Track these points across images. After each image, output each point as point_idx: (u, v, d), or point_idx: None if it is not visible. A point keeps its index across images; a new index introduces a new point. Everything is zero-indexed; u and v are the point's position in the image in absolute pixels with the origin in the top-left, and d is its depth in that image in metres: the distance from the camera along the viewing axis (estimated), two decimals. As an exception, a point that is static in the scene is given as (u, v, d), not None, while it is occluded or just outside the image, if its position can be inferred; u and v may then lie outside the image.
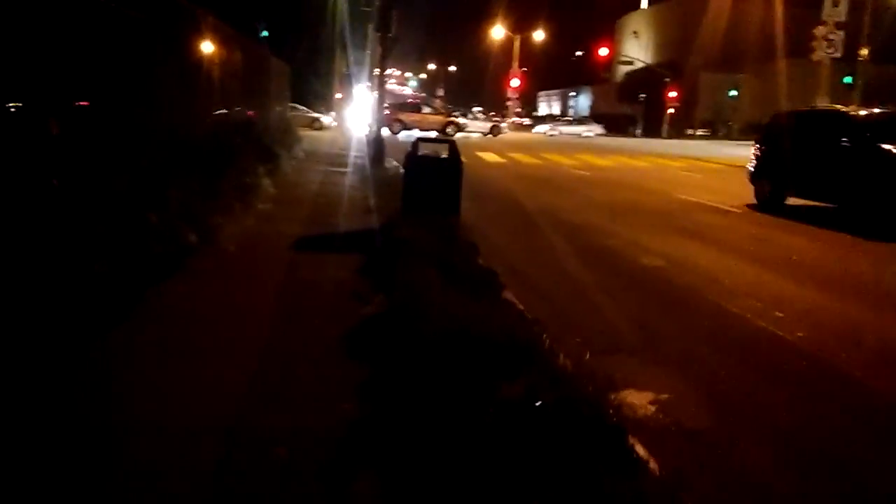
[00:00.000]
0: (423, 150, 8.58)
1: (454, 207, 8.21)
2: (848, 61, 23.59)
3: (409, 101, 52.67)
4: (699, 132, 62.40)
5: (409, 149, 8.50)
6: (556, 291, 6.46)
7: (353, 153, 20.46)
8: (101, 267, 4.70)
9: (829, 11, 19.83)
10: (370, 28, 20.32)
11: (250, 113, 15.64)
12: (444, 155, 8.40)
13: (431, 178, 8.21)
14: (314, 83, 42.16)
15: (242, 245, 7.00)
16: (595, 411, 3.20)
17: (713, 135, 61.57)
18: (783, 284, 7.03)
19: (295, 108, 36.22)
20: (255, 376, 3.90)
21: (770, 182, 12.68)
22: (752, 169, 13.48)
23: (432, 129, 37.64)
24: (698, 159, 26.47)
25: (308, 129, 33.82)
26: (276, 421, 3.42)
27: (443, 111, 43.23)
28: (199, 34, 10.62)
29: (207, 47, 11.18)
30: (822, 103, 20.98)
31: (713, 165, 24.04)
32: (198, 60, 10.62)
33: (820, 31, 20.29)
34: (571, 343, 4.95)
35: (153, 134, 7.77)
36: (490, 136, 41.75)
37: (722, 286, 6.82)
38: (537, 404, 3.10)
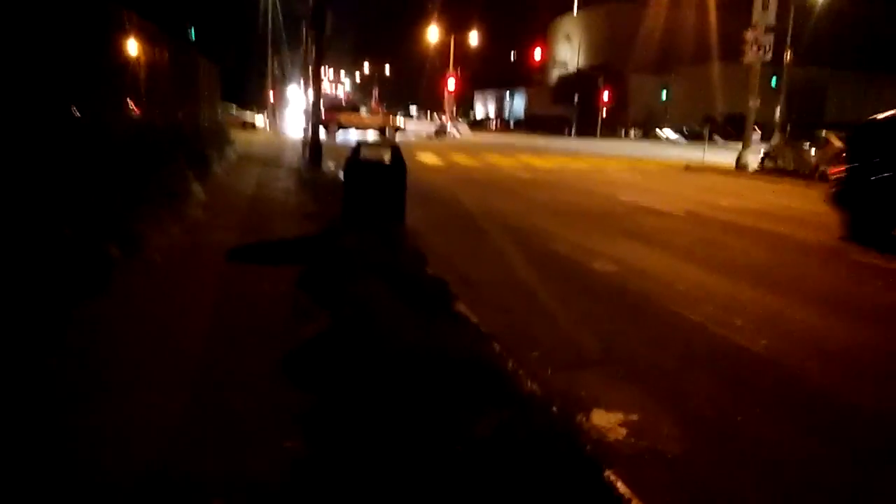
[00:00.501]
0: (365, 154, 8.17)
1: (399, 214, 7.84)
2: (774, 64, 24.28)
3: (348, 101, 51.61)
4: (633, 133, 63.58)
5: (350, 153, 8.07)
6: (509, 301, 6.16)
7: (287, 155, 19.84)
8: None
9: (758, 16, 20.27)
10: (303, 27, 19.68)
11: (185, 114, 14.88)
12: (387, 159, 8.01)
13: (374, 184, 7.82)
14: (247, 84, 41.05)
15: (171, 257, 6.46)
16: (571, 445, 2.89)
17: (645, 135, 62.85)
18: (736, 289, 6.91)
19: (230, 109, 35.20)
20: (186, 411, 3.45)
21: (868, 208, 9.66)
22: (839, 190, 10.30)
23: (371, 130, 37.12)
24: (635, 160, 26.82)
25: (241, 130, 32.83)
26: (210, 465, 2.98)
27: (382, 112, 42.53)
28: (121, 32, 9.94)
29: (129, 45, 10.50)
30: (751, 104, 21.53)
31: (649, 166, 24.34)
32: (117, 59, 9.94)
33: (749, 34, 20.72)
34: (530, 358, 4.66)
35: (61, 133, 7.12)
36: (435, 139, 40.27)
37: (676, 292, 6.65)
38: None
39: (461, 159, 24.02)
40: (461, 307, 5.41)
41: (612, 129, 63.93)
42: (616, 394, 4.22)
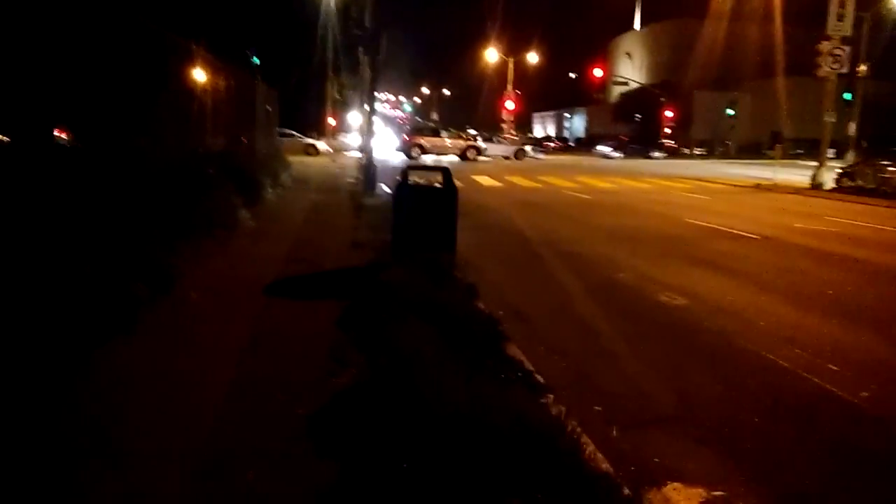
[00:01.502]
0: (414, 178, 7.72)
1: (449, 243, 7.33)
2: (845, 77, 22.97)
3: (430, 124, 50.97)
4: (696, 151, 61.72)
5: (398, 177, 7.64)
6: (567, 340, 5.56)
7: (343, 180, 19.67)
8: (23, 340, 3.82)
9: (833, 26, 19.16)
10: (361, 52, 19.57)
11: (240, 140, 14.88)
12: (438, 184, 7.54)
13: (424, 211, 7.34)
14: (307, 108, 41.54)
15: (207, 291, 6.11)
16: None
17: (710, 154, 60.91)
18: (827, 327, 6.14)
19: (290, 134, 35.60)
20: (192, 488, 2.99)
21: None
22: None
23: (452, 154, 36.85)
24: (701, 179, 25.74)
25: (301, 154, 33.07)
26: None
27: (462, 135, 42.06)
28: (182, 62, 9.90)
29: (192, 75, 10.50)
30: (828, 119, 20.34)
31: (717, 186, 23.28)
32: (181, 90, 9.92)
33: (825, 46, 19.59)
34: (592, 413, 4.08)
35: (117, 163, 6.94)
36: (515, 160, 39.21)
37: (759, 330, 5.94)
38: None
39: (518, 180, 23.45)
40: (514, 350, 4.86)
41: (674, 147, 62.22)
42: (695, 461, 3.60)
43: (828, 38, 19.62)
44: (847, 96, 33.33)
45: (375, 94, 18.72)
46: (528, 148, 44.81)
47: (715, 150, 61.41)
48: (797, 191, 20.48)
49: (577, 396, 4.24)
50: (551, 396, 4.01)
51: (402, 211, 7.53)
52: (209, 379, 4.15)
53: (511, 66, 54.77)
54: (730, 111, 64.83)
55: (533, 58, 61.27)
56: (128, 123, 7.71)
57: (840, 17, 19.05)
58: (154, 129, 8.61)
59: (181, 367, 4.34)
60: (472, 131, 51.90)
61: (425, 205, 7.41)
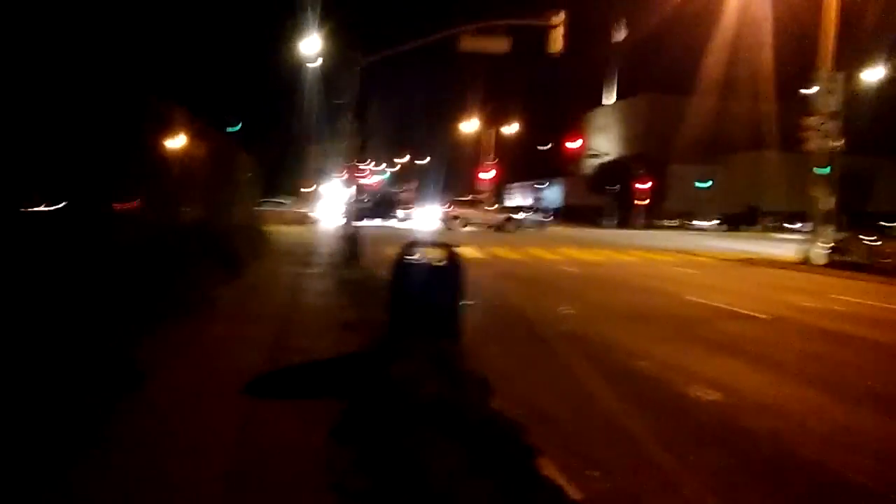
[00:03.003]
0: (415, 254, 7.03)
1: (453, 329, 6.59)
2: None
3: (471, 197, 46.54)
4: (666, 223, 61.92)
5: (399, 253, 6.93)
6: (603, 452, 4.78)
7: (325, 250, 18.97)
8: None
9: (823, 101, 19.23)
10: (346, 120, 19.19)
11: (219, 209, 14.12)
12: (441, 262, 6.85)
13: (426, 292, 6.62)
14: (290, 177, 41.12)
15: (179, 391, 5.26)
16: None
17: (683, 226, 61.21)
18: (884, 427, 5.46)
19: (279, 202, 35.04)
20: None
21: None
22: None
23: (490, 226, 36.21)
24: (686, 252, 25.44)
25: (287, 224, 32.14)
26: None
27: (501, 207, 41.31)
28: (159, 123, 9.23)
29: (169, 137, 9.81)
30: (817, 194, 20.23)
31: (704, 259, 22.93)
32: (156, 153, 9.22)
33: (812, 121, 19.64)
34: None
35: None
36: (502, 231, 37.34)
37: (814, 434, 5.22)
38: None
39: (501, 251, 22.92)
40: (549, 468, 4.09)
41: (650, 219, 62.59)
42: None
43: (813, 114, 19.70)
44: (824, 171, 33.68)
45: (357, 162, 18.33)
46: (520, 216, 42.00)
47: (689, 221, 61.85)
48: (787, 266, 20.14)
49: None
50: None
51: (402, 291, 6.80)
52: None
53: (491, 136, 55.32)
54: (702, 184, 65.88)
55: (511, 129, 62.07)
56: (97, 187, 6.97)
57: (831, 91, 19.14)
58: (126, 194, 7.89)
59: None
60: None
61: (428, 285, 6.69)
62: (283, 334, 7.66)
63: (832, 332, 9.59)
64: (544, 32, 18.80)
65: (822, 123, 19.16)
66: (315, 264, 15.79)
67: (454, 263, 6.74)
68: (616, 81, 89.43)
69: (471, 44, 18.90)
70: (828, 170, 20.17)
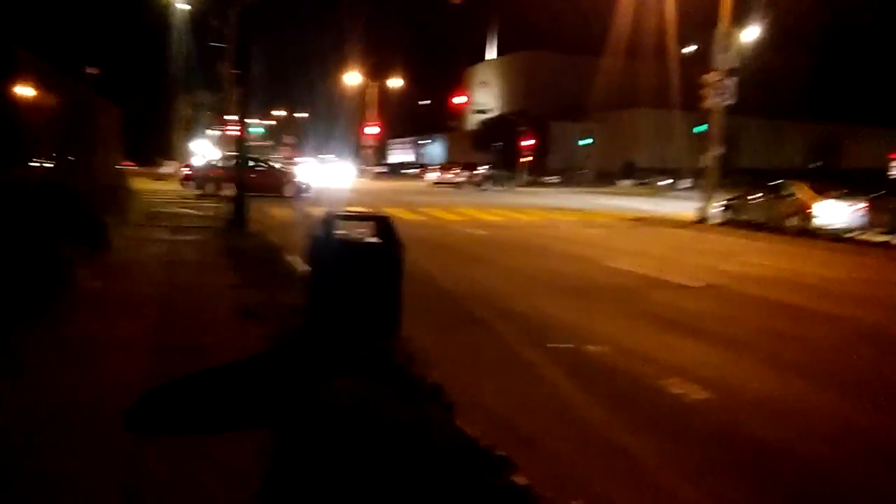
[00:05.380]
0: (339, 228, 5.65)
1: (390, 322, 5.33)
2: (698, 111, 23.43)
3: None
4: (550, 179, 62.40)
5: (318, 230, 5.53)
6: (598, 476, 3.75)
7: (208, 214, 16.97)
8: None
9: (721, 58, 19.10)
10: (221, 68, 17.04)
11: (74, 164, 11.88)
12: (374, 239, 5.53)
13: (355, 277, 5.30)
14: (157, 131, 37.49)
15: (23, 434, 3.73)
16: None
17: (565, 182, 61.90)
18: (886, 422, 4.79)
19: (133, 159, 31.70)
20: None
21: None
22: None
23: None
24: (581, 212, 25.21)
25: (152, 181, 29.26)
26: None
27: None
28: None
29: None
30: (714, 152, 20.28)
31: (603, 219, 22.63)
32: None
33: (710, 77, 19.53)
34: None
35: None
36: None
37: (816, 434, 4.44)
38: None
39: (401, 213, 21.66)
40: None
41: (532, 176, 62.86)
42: None
43: (713, 70, 19.59)
44: (700, 129, 34.54)
45: (225, 116, 16.36)
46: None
47: (570, 178, 62.62)
48: (686, 225, 20.14)
49: None
50: None
51: (325, 275, 5.44)
52: None
53: (373, 90, 53.31)
54: (584, 140, 66.96)
55: (394, 83, 60.21)
56: None
57: (726, 48, 19.02)
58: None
59: None
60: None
61: (358, 268, 5.37)
62: (167, 328, 6.10)
63: (773, 303, 9.10)
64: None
65: (719, 80, 19.09)
66: (194, 229, 13.91)
67: (391, 241, 5.45)
68: (496, 36, 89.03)
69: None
70: (705, 127, 20.41)
